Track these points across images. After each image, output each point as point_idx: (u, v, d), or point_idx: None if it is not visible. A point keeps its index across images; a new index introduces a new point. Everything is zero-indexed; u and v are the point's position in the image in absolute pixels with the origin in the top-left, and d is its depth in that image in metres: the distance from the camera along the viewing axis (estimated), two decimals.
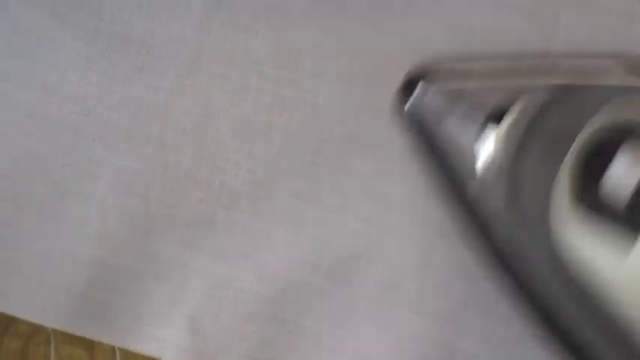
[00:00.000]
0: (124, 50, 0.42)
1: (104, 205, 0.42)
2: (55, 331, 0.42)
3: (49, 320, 0.42)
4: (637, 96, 0.36)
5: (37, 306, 0.42)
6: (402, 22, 0.40)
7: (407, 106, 0.38)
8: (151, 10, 0.42)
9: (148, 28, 0.42)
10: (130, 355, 0.42)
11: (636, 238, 0.34)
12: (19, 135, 0.42)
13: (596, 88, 0.37)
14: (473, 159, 0.37)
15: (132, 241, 0.41)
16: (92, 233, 0.42)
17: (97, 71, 0.42)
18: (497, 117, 0.36)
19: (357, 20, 0.40)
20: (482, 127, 0.37)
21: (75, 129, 0.42)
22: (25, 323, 0.42)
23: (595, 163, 0.35)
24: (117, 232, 0.41)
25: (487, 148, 0.36)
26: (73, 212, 0.42)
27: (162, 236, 0.41)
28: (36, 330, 0.42)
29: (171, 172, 0.41)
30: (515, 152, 0.36)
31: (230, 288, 0.41)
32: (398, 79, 0.38)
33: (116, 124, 0.42)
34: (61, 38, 0.42)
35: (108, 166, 0.42)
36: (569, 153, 0.35)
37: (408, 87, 0.38)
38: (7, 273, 0.42)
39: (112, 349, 0.42)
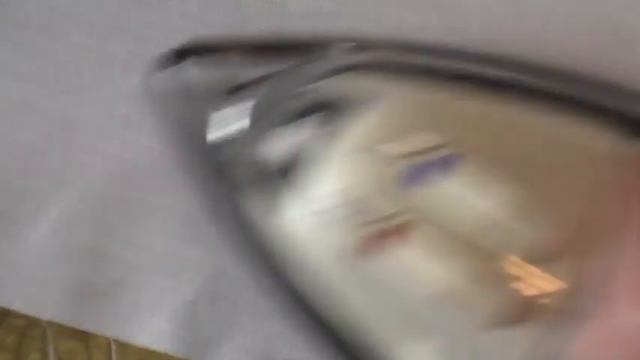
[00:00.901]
0: (120, 41, 0.42)
1: (99, 196, 0.42)
2: (50, 325, 0.42)
3: (44, 313, 0.42)
4: (352, 74, 0.36)
5: (32, 299, 0.42)
6: None
7: (158, 80, 0.39)
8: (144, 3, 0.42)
9: (143, 19, 0.42)
10: (125, 347, 0.41)
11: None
12: (16, 128, 0.42)
13: (317, 66, 0.37)
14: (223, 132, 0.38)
15: (127, 232, 0.41)
16: (87, 225, 0.42)
17: (93, 62, 0.42)
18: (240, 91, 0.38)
19: None
20: (228, 101, 0.38)
21: (71, 120, 0.42)
22: (20, 317, 0.42)
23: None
24: (112, 223, 0.41)
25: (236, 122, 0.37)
26: (67, 204, 0.42)
27: (157, 227, 0.41)
28: (31, 324, 0.42)
29: (164, 162, 0.41)
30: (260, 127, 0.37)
31: (224, 279, 0.41)
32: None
33: (111, 114, 0.42)
34: (58, 31, 0.42)
35: (103, 157, 0.42)
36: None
37: (163, 62, 0.39)
38: (2, 266, 0.42)
39: (108, 341, 0.42)
